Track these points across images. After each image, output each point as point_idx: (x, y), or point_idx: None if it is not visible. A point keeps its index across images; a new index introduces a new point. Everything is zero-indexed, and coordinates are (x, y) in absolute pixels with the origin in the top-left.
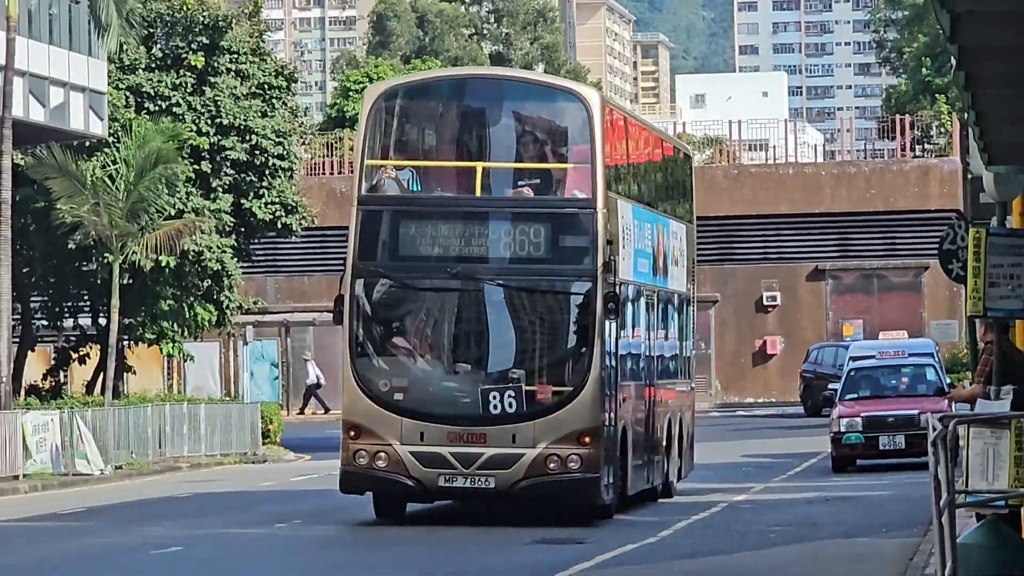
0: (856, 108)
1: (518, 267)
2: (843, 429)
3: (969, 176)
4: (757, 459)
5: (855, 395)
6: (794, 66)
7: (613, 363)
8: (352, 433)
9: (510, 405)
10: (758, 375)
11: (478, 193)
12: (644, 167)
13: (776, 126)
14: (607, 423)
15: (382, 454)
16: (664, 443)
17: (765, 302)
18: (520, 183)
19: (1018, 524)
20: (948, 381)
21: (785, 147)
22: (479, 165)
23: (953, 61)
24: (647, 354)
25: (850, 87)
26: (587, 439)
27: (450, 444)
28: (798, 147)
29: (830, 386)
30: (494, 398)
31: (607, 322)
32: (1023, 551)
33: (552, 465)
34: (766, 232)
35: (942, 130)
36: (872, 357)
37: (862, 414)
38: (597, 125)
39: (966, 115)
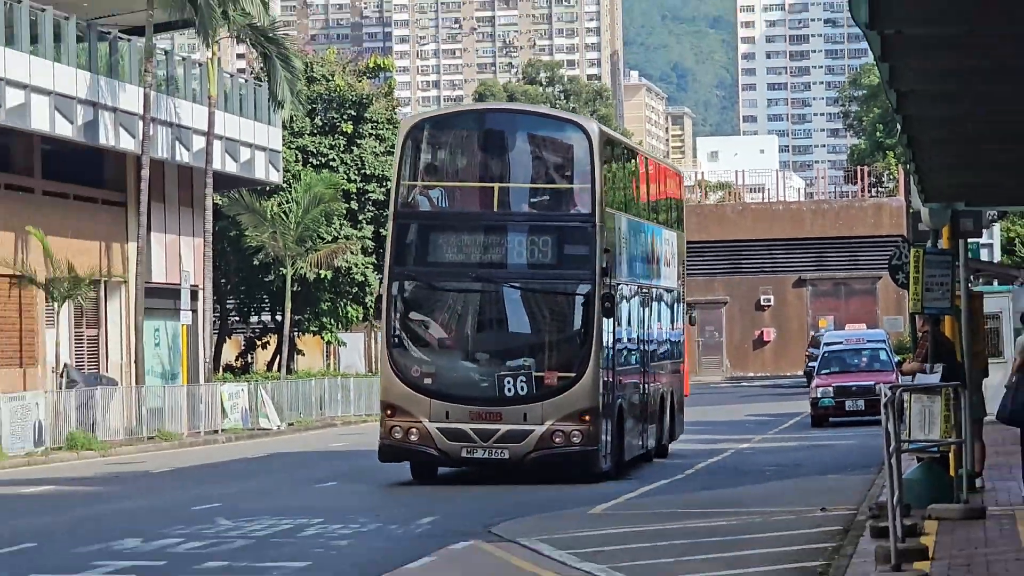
0: (828, 161)
1: (530, 271)
2: (819, 395)
3: (911, 210)
4: (757, 417)
5: (828, 370)
6: (783, 130)
7: (611, 351)
8: (389, 412)
9: (522, 388)
10: (757, 356)
11: (496, 209)
12: (639, 185)
13: (770, 175)
14: (605, 402)
15: (414, 429)
16: (657, 413)
17: (762, 303)
18: (532, 200)
19: (947, 464)
20: (897, 359)
21: (776, 190)
22: (496, 185)
23: (899, 127)
24: (641, 341)
25: (824, 146)
26: (587, 417)
27: (471, 421)
28: (786, 190)
29: (809, 363)
30: (509, 383)
31: (604, 318)
32: (950, 484)
33: (557, 439)
34: (762, 252)
35: (891, 177)
36: (841, 343)
37: (833, 384)
38: (596, 151)
39: (908, 166)
